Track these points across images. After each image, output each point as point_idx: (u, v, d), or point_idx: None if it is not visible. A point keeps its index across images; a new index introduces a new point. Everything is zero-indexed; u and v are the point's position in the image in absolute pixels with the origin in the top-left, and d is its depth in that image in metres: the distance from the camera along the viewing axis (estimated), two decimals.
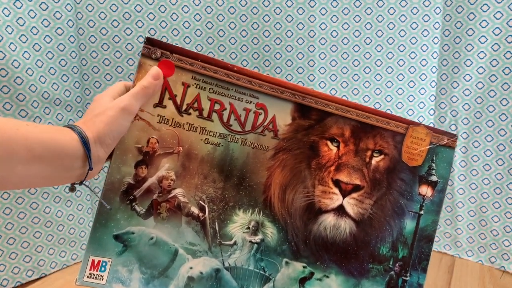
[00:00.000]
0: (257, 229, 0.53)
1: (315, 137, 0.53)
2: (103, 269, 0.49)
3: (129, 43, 0.90)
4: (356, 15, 0.92)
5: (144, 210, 0.50)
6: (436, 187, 0.56)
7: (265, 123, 0.52)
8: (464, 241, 1.00)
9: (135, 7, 0.88)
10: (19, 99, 0.78)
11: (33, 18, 0.79)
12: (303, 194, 0.54)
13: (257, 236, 0.53)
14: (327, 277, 0.55)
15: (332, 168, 0.53)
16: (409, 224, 0.56)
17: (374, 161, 0.55)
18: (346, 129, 0.54)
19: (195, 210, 0.51)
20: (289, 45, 0.92)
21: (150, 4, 0.89)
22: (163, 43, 0.49)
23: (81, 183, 0.45)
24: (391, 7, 0.92)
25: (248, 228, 0.53)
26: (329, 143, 0.54)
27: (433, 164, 0.56)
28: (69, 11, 0.85)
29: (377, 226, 0.55)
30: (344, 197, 0.53)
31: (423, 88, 0.96)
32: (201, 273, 0.51)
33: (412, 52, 0.94)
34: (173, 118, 0.50)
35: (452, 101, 0.96)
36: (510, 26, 0.88)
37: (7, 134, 0.36)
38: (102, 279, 0.49)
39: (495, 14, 0.88)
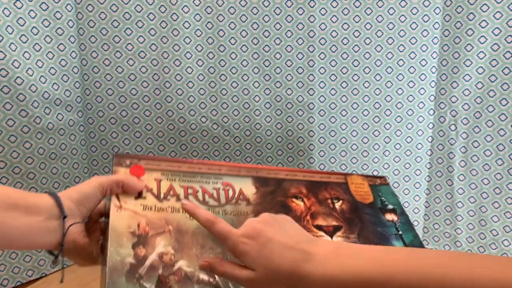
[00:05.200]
0: None
1: (281, 198, 0.60)
2: None
3: (129, 43, 0.90)
4: (356, 15, 0.92)
5: (153, 286, 0.48)
6: (397, 212, 0.64)
7: (236, 196, 0.58)
8: (464, 241, 1.00)
9: (135, 7, 0.88)
10: (19, 99, 0.78)
11: (33, 18, 0.79)
12: None
13: None
14: None
15: (308, 217, 0.59)
16: (397, 244, 0.61)
17: (337, 206, 0.62)
18: (302, 188, 0.62)
19: (204, 276, 0.50)
20: (289, 45, 0.92)
21: (150, 4, 0.89)
22: (130, 155, 0.55)
23: (61, 246, 0.48)
24: (391, 7, 0.92)
25: None
26: (294, 199, 0.61)
27: (383, 198, 0.65)
28: (69, 11, 0.85)
29: None
30: (331, 237, 0.58)
31: (423, 88, 0.96)
32: None
33: (412, 52, 0.94)
34: (155, 205, 0.54)
35: (452, 101, 0.96)
36: (510, 26, 0.88)
37: None
38: None
39: (495, 14, 0.88)
